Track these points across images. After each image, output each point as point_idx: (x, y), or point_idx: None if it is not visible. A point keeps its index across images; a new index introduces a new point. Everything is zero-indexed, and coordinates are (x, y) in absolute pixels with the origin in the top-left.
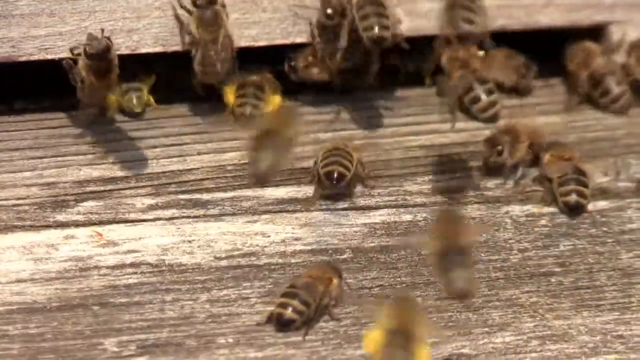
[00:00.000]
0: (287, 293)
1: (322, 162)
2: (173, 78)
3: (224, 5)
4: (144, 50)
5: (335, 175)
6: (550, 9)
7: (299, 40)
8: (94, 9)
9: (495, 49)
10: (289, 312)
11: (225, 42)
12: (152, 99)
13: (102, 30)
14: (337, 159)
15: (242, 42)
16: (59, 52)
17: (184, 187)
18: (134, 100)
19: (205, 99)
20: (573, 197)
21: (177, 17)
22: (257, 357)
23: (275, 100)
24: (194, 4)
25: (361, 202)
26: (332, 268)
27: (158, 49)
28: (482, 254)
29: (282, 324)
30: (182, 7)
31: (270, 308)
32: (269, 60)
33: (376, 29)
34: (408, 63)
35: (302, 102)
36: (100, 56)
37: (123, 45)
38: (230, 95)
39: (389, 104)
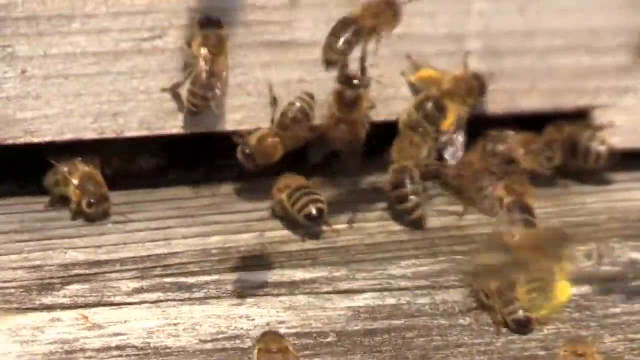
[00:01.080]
0: None
1: (293, 204)
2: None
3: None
4: (129, 134)
5: (315, 213)
6: (534, 94)
7: None
8: (80, 92)
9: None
10: None
11: (221, 69)
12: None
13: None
14: (310, 197)
15: (227, 126)
16: (45, 135)
17: (169, 271)
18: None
19: (190, 184)
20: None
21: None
22: None
23: None
24: (200, 24)
25: (345, 285)
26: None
27: (143, 132)
28: (466, 337)
29: None
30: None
31: None
32: None
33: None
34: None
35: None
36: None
37: (108, 129)
38: None
39: (373, 187)
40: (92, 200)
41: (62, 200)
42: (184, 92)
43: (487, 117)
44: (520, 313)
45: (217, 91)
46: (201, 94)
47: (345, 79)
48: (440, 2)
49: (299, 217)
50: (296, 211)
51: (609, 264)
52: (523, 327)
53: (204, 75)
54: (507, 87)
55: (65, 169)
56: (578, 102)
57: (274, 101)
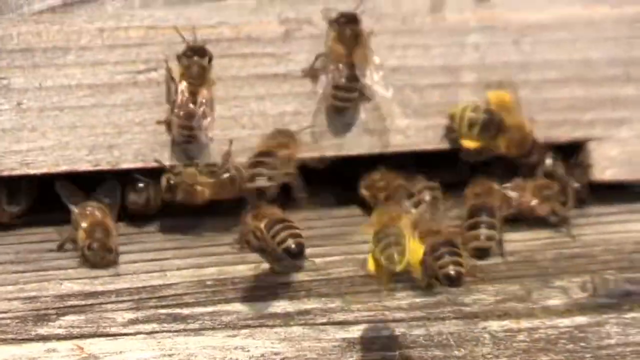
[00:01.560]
0: None
1: (273, 236)
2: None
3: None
4: (124, 166)
5: (295, 247)
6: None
7: None
8: (75, 125)
9: None
10: None
11: (203, 98)
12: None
13: None
14: (290, 231)
15: (221, 158)
16: (41, 167)
17: (164, 302)
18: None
19: (185, 215)
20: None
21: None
22: None
23: None
24: (181, 54)
25: (340, 317)
26: None
27: (139, 164)
28: None
29: None
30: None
31: None
32: None
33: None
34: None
35: None
36: None
37: (103, 161)
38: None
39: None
40: (94, 246)
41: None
42: None
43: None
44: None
45: (202, 121)
46: (185, 124)
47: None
48: (434, 34)
49: (278, 249)
50: (276, 244)
51: (604, 296)
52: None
53: (185, 106)
54: None
55: (77, 210)
56: (573, 134)
57: (227, 155)
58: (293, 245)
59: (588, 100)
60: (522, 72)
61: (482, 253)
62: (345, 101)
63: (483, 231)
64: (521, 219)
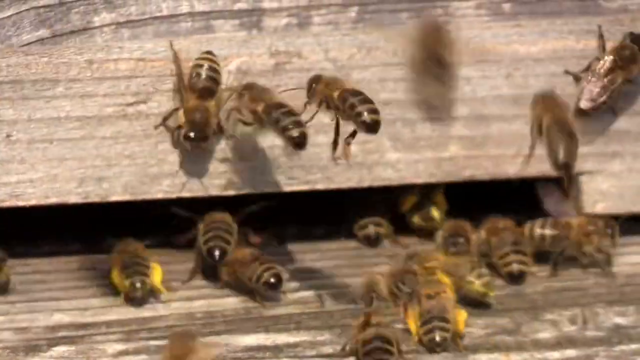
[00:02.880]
0: None
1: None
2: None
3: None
4: (113, 199)
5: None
6: (519, 159)
7: (267, 190)
8: (65, 157)
9: None
10: None
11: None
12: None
13: None
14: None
15: (212, 191)
16: (30, 199)
17: (154, 334)
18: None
19: (175, 248)
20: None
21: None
22: None
23: None
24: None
25: (328, 349)
26: None
27: (127, 197)
28: None
29: None
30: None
31: None
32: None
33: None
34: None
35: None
36: None
37: (92, 194)
38: None
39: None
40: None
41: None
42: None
43: (474, 182)
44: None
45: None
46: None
47: None
48: None
49: (256, 286)
50: (254, 280)
51: (594, 329)
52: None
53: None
54: (494, 153)
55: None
56: None
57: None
58: (272, 279)
59: (580, 134)
60: (515, 106)
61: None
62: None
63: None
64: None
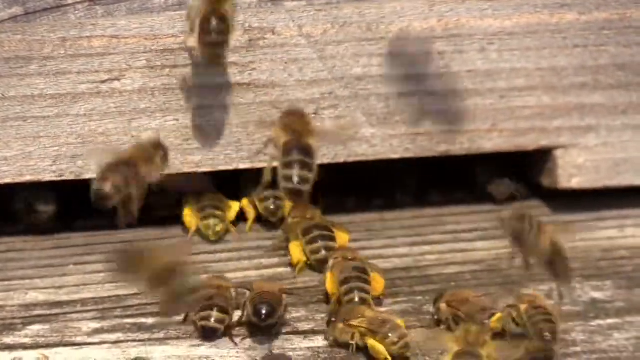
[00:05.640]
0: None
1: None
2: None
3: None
4: (88, 176)
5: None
6: (494, 134)
7: (242, 166)
8: (39, 135)
9: None
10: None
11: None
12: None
13: None
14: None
15: (185, 168)
16: (4, 177)
17: (129, 312)
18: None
19: (150, 225)
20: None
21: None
22: None
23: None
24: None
25: (305, 326)
26: None
27: None
28: None
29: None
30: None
31: None
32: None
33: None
34: None
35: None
36: None
37: (67, 171)
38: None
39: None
40: None
41: None
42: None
43: (449, 157)
44: None
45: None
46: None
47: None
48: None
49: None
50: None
51: (570, 304)
52: None
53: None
54: (468, 128)
55: None
56: (540, 142)
57: None
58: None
59: (555, 108)
60: (489, 80)
61: None
62: None
63: None
64: None
